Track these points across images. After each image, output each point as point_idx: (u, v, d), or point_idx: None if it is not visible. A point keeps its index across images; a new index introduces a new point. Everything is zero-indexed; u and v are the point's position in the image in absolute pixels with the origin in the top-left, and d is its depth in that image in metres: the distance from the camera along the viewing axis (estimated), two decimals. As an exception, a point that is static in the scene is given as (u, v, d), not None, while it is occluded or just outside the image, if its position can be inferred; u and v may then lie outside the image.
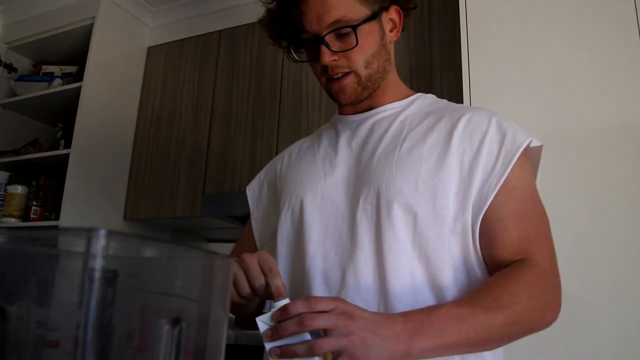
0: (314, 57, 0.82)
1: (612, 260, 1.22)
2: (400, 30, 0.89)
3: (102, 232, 0.30)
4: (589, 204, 1.27)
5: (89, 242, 0.30)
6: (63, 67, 2.56)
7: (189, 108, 2.42)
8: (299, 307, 0.58)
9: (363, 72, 0.82)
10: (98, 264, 0.30)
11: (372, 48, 0.82)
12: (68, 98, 2.35)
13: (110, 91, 2.42)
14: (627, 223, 1.23)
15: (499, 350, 0.79)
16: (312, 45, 0.82)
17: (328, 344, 0.57)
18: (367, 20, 0.80)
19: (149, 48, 2.65)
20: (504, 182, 0.74)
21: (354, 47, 0.79)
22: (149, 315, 0.37)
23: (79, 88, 2.30)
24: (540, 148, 0.82)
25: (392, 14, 0.87)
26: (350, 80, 0.82)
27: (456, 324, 0.64)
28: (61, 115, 2.52)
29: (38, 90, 2.45)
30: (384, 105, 0.87)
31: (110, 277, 0.31)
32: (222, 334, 0.42)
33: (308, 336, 0.58)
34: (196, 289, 0.43)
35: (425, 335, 0.62)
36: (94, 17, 2.37)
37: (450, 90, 1.79)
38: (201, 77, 2.45)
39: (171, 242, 0.52)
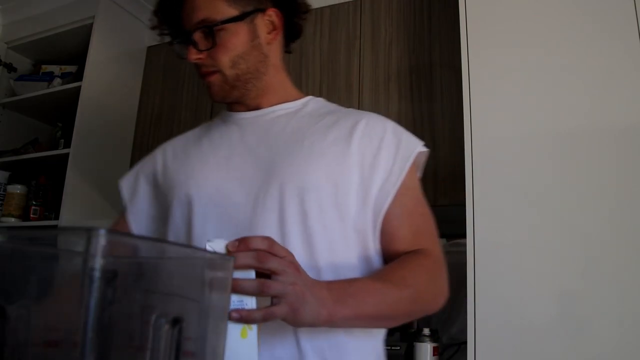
0: (182, 55, 0.86)
1: (612, 260, 1.22)
2: (280, 33, 0.90)
3: (102, 232, 0.30)
4: (589, 204, 1.27)
5: (88, 242, 0.30)
6: (63, 66, 2.55)
7: (188, 108, 2.42)
8: (259, 244, 0.59)
9: (228, 72, 0.84)
10: (98, 264, 0.30)
11: (238, 49, 0.84)
12: (68, 97, 2.35)
13: (110, 91, 2.42)
14: (627, 222, 1.23)
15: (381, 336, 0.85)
16: (186, 42, 0.85)
17: (276, 287, 0.58)
18: (229, 21, 0.82)
19: (149, 47, 2.64)
20: (402, 183, 0.81)
21: (212, 47, 0.82)
22: (149, 315, 0.37)
23: (79, 87, 2.30)
24: (425, 153, 0.88)
25: (271, 16, 0.88)
26: (216, 79, 0.84)
27: (372, 296, 0.69)
28: (61, 114, 2.52)
29: (38, 89, 2.45)
30: (273, 105, 0.89)
31: (110, 277, 0.31)
32: (222, 334, 0.42)
33: (253, 274, 0.59)
34: (196, 289, 0.43)
35: (346, 304, 0.65)
36: (93, 17, 2.37)
37: (450, 90, 1.80)
38: (201, 77, 2.45)
39: (171, 242, 0.52)
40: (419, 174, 0.88)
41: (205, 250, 0.54)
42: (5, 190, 2.40)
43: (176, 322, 0.35)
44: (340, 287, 0.67)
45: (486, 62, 1.47)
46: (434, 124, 1.77)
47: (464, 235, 1.36)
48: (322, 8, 2.14)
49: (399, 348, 1.56)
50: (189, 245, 0.52)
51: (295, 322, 0.60)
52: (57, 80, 2.48)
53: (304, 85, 2.17)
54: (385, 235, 0.81)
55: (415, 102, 1.84)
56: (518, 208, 1.33)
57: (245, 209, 0.78)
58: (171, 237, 0.83)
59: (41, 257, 0.36)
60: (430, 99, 1.82)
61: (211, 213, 0.80)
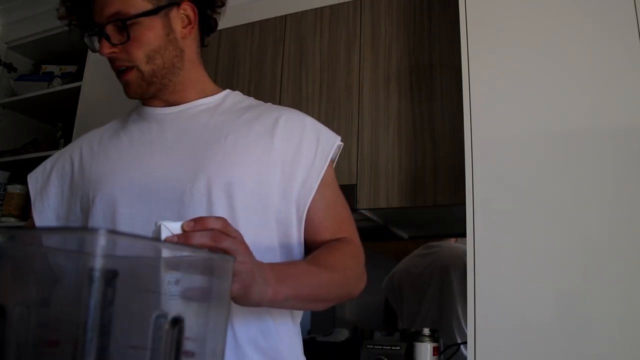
0: (94, 49, 0.86)
1: (612, 260, 1.22)
2: (195, 27, 0.90)
3: (102, 232, 0.30)
4: (589, 204, 1.27)
5: (89, 242, 0.30)
6: (63, 66, 2.55)
7: (188, 108, 2.41)
8: (214, 223, 0.60)
9: (145, 67, 0.83)
10: (98, 264, 0.30)
11: (153, 43, 0.83)
12: (68, 97, 2.35)
13: (110, 90, 2.41)
14: (627, 222, 1.23)
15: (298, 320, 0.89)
16: (98, 35, 0.84)
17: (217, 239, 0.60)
18: (143, 14, 0.81)
19: (149, 48, 2.64)
20: (323, 177, 0.84)
21: (126, 41, 0.81)
22: (148, 315, 0.37)
23: (79, 87, 2.30)
24: (340, 146, 0.91)
25: (186, 10, 0.87)
26: (133, 76, 0.84)
27: (309, 278, 0.74)
28: (61, 114, 2.52)
29: (38, 89, 2.45)
30: (192, 101, 0.88)
31: (110, 277, 0.31)
32: (221, 334, 0.43)
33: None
34: (196, 288, 0.43)
35: (287, 284, 0.68)
36: (93, 17, 2.37)
37: (450, 90, 1.79)
38: (201, 77, 2.45)
39: (171, 242, 0.53)
40: (333, 165, 0.92)
41: (204, 250, 0.54)
42: (5, 190, 2.40)
43: (176, 322, 0.35)
44: (282, 269, 0.71)
45: (486, 62, 1.47)
46: (434, 124, 1.77)
47: (464, 235, 1.36)
48: (322, 8, 2.14)
49: (399, 348, 1.56)
50: (189, 246, 0.52)
51: (246, 300, 0.62)
52: (57, 80, 2.48)
53: (303, 85, 2.17)
54: (311, 226, 0.84)
55: (415, 102, 1.84)
56: (518, 208, 1.33)
57: (173, 205, 0.78)
58: None
59: (41, 257, 0.36)
60: (430, 99, 1.82)
61: (138, 211, 0.79)
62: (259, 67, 2.33)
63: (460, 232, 1.37)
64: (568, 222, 1.28)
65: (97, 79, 2.34)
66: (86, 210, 0.84)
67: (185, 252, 0.49)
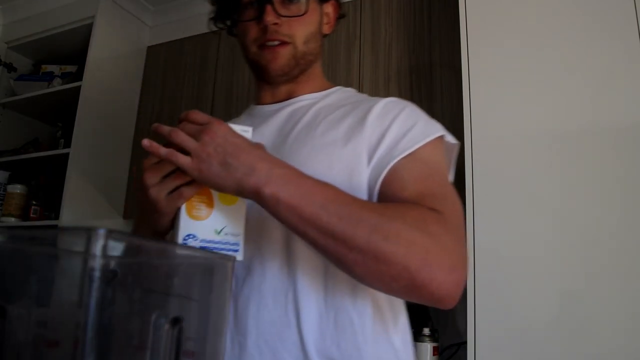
0: (254, 16, 0.80)
1: (613, 260, 1.22)
2: (332, 27, 0.90)
3: (102, 232, 0.30)
4: (589, 203, 1.27)
5: (88, 241, 0.30)
6: (63, 66, 2.55)
7: (188, 108, 2.41)
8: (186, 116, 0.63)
9: (300, 47, 0.82)
10: (98, 263, 0.30)
11: (314, 27, 0.84)
12: (68, 97, 2.35)
13: (110, 90, 2.42)
14: (628, 222, 1.23)
15: (408, 342, 0.75)
16: (257, 3, 0.80)
17: (181, 140, 0.60)
18: None
19: (149, 47, 2.64)
20: (411, 153, 0.69)
21: (303, 14, 0.80)
22: (148, 315, 0.37)
23: (79, 87, 2.30)
24: (456, 146, 0.78)
25: (329, 8, 0.89)
26: (286, 51, 0.81)
27: (325, 199, 0.58)
28: (61, 114, 2.52)
29: (38, 89, 2.45)
30: (302, 95, 0.86)
31: (110, 277, 0.31)
32: (221, 334, 0.42)
33: None
34: (196, 288, 0.43)
35: (284, 186, 0.58)
36: (93, 17, 2.37)
37: (450, 90, 1.79)
38: (201, 77, 2.45)
39: (171, 242, 0.53)
40: (447, 162, 0.77)
41: (205, 250, 0.54)
42: (5, 190, 2.40)
43: (176, 322, 0.35)
44: (290, 171, 0.61)
45: (486, 62, 1.47)
46: (434, 124, 1.77)
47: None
48: (322, 8, 2.14)
49: (399, 348, 1.56)
50: (189, 246, 0.52)
51: (200, 177, 0.59)
52: (57, 80, 2.48)
53: (304, 85, 2.17)
54: (386, 200, 0.68)
55: (415, 102, 1.83)
56: (518, 208, 1.33)
57: (255, 204, 0.75)
58: None
59: (41, 257, 0.36)
60: (430, 99, 1.82)
61: None
62: (259, 67, 2.33)
63: (460, 232, 1.37)
64: (568, 221, 1.28)
65: (96, 79, 2.34)
66: None
67: (185, 252, 0.49)
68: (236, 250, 0.60)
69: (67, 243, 0.35)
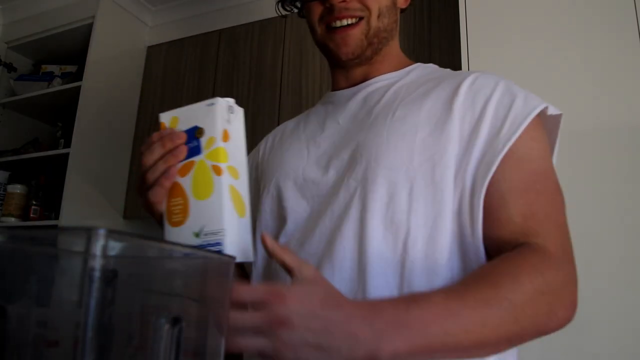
0: None
1: (613, 260, 1.22)
2: (409, 0, 0.83)
3: (102, 232, 0.30)
4: (590, 203, 1.27)
5: (88, 241, 0.30)
6: (63, 66, 2.56)
7: (188, 108, 2.41)
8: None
9: (374, 23, 0.73)
10: (98, 263, 0.30)
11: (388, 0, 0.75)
12: (68, 97, 2.35)
13: (110, 90, 2.42)
14: (628, 222, 1.23)
15: (514, 352, 0.68)
16: None
17: (251, 346, 0.46)
18: None
19: (149, 47, 2.65)
20: (510, 150, 0.62)
21: None
22: (149, 315, 0.37)
23: (79, 87, 2.30)
24: (559, 117, 0.72)
25: None
26: (358, 31, 0.72)
27: (441, 321, 0.50)
28: (61, 114, 2.52)
29: (38, 89, 2.45)
30: (378, 76, 0.77)
31: (110, 277, 0.31)
32: (222, 333, 0.42)
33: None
34: (196, 288, 0.43)
35: (400, 335, 0.48)
36: (93, 17, 2.37)
37: (450, 90, 1.79)
38: (201, 77, 2.45)
39: (171, 242, 0.52)
40: (550, 143, 0.72)
41: (205, 249, 0.54)
42: (5, 190, 2.40)
43: (176, 322, 0.35)
44: (392, 314, 0.49)
45: (486, 62, 1.47)
46: (434, 124, 1.77)
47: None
48: (322, 8, 2.14)
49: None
50: (189, 245, 0.51)
51: None
52: (57, 80, 2.49)
53: (303, 85, 2.17)
54: (486, 218, 0.61)
55: (415, 102, 1.84)
56: (518, 208, 1.33)
57: (331, 196, 0.68)
58: (260, 232, 0.74)
59: (41, 257, 0.36)
60: (430, 99, 1.82)
61: (300, 204, 0.71)
62: (259, 67, 2.33)
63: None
64: (568, 221, 1.28)
65: (97, 79, 2.35)
66: (258, 205, 0.77)
67: (185, 252, 0.48)
68: (219, 252, 0.53)
69: (67, 243, 0.35)
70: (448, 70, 0.79)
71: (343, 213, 0.66)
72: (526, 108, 0.65)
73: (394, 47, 0.81)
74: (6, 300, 0.33)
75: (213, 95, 0.57)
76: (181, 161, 0.58)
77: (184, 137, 0.58)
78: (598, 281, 1.22)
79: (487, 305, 0.52)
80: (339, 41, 0.72)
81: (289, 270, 0.51)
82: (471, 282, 0.56)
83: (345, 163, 0.69)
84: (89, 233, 0.31)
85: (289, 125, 0.88)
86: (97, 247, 0.30)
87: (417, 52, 1.91)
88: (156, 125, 0.65)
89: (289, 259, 0.51)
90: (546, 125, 0.72)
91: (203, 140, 0.57)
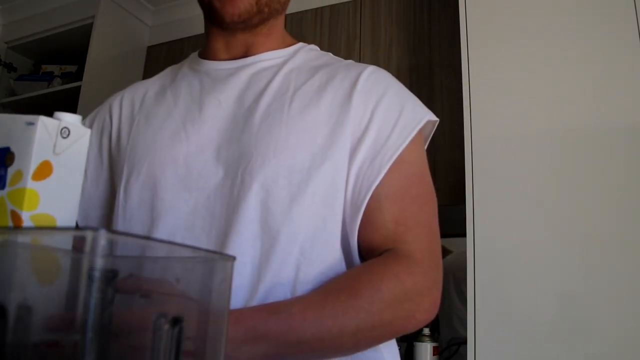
0: None
1: (613, 260, 1.22)
2: None
3: (102, 232, 0.30)
4: (589, 203, 1.27)
5: (88, 242, 0.30)
6: (63, 66, 2.56)
7: (188, 108, 2.41)
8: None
9: None
10: (98, 263, 0.30)
11: None
12: (68, 97, 2.35)
13: (110, 90, 2.39)
14: (627, 222, 1.23)
15: (393, 345, 0.69)
16: None
17: None
18: None
19: (149, 47, 2.65)
20: (397, 156, 0.62)
21: None
22: (148, 315, 0.37)
23: (79, 87, 2.30)
24: (435, 123, 0.71)
25: None
26: None
27: (297, 333, 0.52)
28: (61, 114, 2.52)
29: (38, 89, 2.45)
30: (262, 52, 0.71)
31: (110, 277, 0.31)
32: (222, 334, 0.42)
33: None
34: (196, 288, 0.43)
35: (256, 345, 0.50)
36: (93, 17, 2.37)
37: (450, 90, 1.79)
38: (201, 77, 2.45)
39: (171, 242, 0.52)
40: (425, 145, 0.71)
41: (205, 249, 0.54)
42: (5, 190, 2.40)
43: (176, 322, 0.35)
44: (249, 325, 0.51)
45: (486, 62, 1.47)
46: (434, 124, 1.77)
47: (464, 235, 1.37)
48: (322, 8, 2.14)
49: (399, 348, 1.57)
50: (189, 245, 0.51)
51: None
52: (57, 80, 2.49)
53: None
54: (363, 221, 0.62)
55: (415, 102, 1.84)
56: (518, 208, 1.33)
57: (223, 195, 0.62)
58: (122, 223, 0.66)
59: (41, 256, 0.36)
60: (430, 99, 1.82)
61: (182, 199, 0.64)
62: (259, 67, 2.33)
63: (461, 232, 1.38)
64: (568, 221, 1.28)
65: (97, 79, 2.35)
66: (119, 191, 0.68)
67: (186, 251, 0.49)
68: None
69: (67, 243, 0.35)
70: (334, 57, 0.75)
71: (238, 211, 0.60)
72: (415, 117, 0.66)
73: (280, 22, 0.75)
74: (6, 300, 0.33)
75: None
76: None
77: None
78: (598, 281, 1.22)
79: (344, 315, 0.53)
80: (226, 1, 0.66)
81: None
82: (332, 290, 0.56)
83: (236, 156, 0.63)
84: (89, 233, 0.31)
85: (149, 88, 0.77)
86: (97, 247, 0.30)
87: (417, 51, 1.91)
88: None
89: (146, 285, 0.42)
90: (423, 129, 0.70)
91: (10, 171, 0.41)
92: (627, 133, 1.27)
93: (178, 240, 0.62)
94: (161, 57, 2.60)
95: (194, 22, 2.56)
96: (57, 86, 2.44)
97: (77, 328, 0.29)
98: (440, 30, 1.90)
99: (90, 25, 2.37)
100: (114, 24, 2.46)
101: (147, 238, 0.39)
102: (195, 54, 0.76)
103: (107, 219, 0.72)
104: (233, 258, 0.47)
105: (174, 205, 0.64)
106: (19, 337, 0.31)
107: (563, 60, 1.38)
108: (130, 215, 0.66)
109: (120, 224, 0.66)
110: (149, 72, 2.61)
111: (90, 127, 0.76)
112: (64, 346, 0.31)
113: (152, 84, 0.78)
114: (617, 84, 1.31)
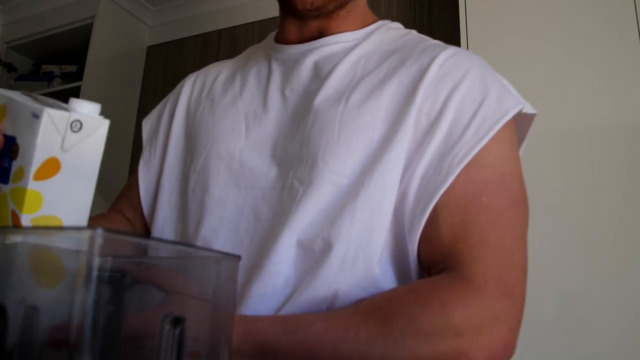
0: None
1: (613, 260, 1.22)
2: None
3: (102, 232, 0.30)
4: (590, 203, 1.27)
5: (89, 241, 0.30)
6: (63, 66, 2.56)
7: (188, 108, 2.41)
8: None
9: None
10: (98, 263, 0.30)
11: None
12: (68, 97, 2.35)
13: (110, 90, 2.42)
14: (627, 222, 1.22)
15: None
16: None
17: None
18: None
19: (149, 47, 2.65)
20: (472, 157, 0.52)
21: None
22: (149, 315, 0.37)
23: (79, 87, 2.30)
24: (532, 116, 0.61)
25: None
26: None
27: (313, 352, 0.46)
28: (61, 114, 2.52)
29: (38, 89, 2.45)
30: (337, 33, 0.64)
31: (110, 277, 0.31)
32: (224, 334, 0.42)
33: None
34: (199, 287, 0.43)
35: (276, 357, 0.47)
36: (93, 17, 2.37)
37: (450, 90, 1.79)
38: (201, 77, 2.45)
39: (172, 241, 0.52)
40: (517, 144, 0.61)
41: (208, 248, 0.53)
42: (5, 190, 2.40)
43: (178, 322, 0.35)
44: (261, 340, 0.47)
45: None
46: (435, 124, 1.77)
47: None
48: (322, 8, 2.14)
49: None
50: (190, 245, 0.51)
51: None
52: (57, 80, 2.49)
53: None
54: (422, 234, 0.52)
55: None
56: (519, 208, 1.33)
57: (272, 195, 0.58)
58: (171, 215, 0.65)
59: (41, 256, 0.36)
60: (430, 98, 1.82)
61: (231, 197, 0.60)
62: (259, 67, 2.33)
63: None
64: (568, 221, 1.28)
65: (96, 79, 2.34)
66: (182, 179, 0.65)
67: (188, 251, 0.48)
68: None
69: (67, 243, 0.34)
70: (413, 35, 0.66)
71: (283, 221, 0.55)
72: (499, 110, 0.55)
73: (362, 2, 0.67)
74: (7, 300, 0.33)
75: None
76: None
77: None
78: (598, 281, 1.22)
79: (368, 343, 0.45)
80: None
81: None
82: (362, 312, 0.48)
83: (289, 156, 0.58)
84: (89, 233, 0.30)
85: (221, 72, 0.73)
86: (97, 247, 0.30)
87: (417, 52, 1.91)
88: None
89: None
90: (517, 123, 0.61)
91: (15, 166, 0.36)
92: (628, 133, 1.27)
93: (220, 241, 0.59)
94: (161, 57, 2.60)
95: (194, 22, 2.56)
96: (57, 86, 2.44)
97: (77, 328, 0.29)
98: (440, 30, 1.90)
99: (90, 26, 2.37)
100: (114, 24, 2.46)
101: (148, 238, 0.38)
102: (272, 35, 0.71)
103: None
104: (238, 257, 0.46)
105: (222, 202, 0.60)
106: (18, 337, 0.31)
107: (563, 60, 1.38)
108: (185, 210, 0.64)
109: (180, 215, 0.64)
110: (148, 72, 2.61)
111: (165, 104, 0.75)
112: (64, 347, 0.31)
113: (226, 67, 0.74)
114: (617, 84, 1.31)
